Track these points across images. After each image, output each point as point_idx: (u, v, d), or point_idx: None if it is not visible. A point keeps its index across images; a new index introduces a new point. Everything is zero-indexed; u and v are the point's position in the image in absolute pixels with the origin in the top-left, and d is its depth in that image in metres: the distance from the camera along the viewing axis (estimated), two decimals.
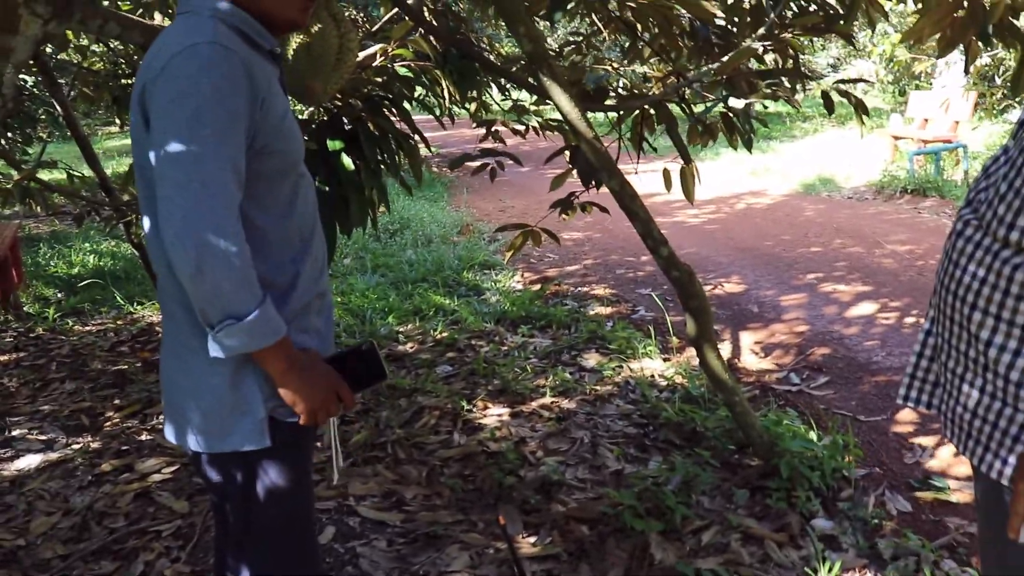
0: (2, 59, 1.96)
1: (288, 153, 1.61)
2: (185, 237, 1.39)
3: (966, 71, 2.97)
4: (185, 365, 1.62)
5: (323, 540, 2.95)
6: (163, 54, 1.46)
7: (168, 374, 1.68)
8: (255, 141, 1.51)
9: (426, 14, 3.37)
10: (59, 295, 6.51)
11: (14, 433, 3.93)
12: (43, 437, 3.89)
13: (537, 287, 6.40)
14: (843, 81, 3.17)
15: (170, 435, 1.69)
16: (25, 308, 6.02)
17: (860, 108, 3.18)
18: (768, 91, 3.17)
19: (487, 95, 4.13)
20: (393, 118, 2.90)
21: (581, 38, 4.41)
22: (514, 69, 3.64)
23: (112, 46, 5.73)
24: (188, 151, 1.40)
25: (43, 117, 9.02)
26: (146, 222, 1.57)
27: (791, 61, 3.48)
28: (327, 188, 2.56)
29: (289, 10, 1.62)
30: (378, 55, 3.09)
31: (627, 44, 4.19)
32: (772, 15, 3.10)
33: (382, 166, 2.75)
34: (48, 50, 4.97)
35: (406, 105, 3.12)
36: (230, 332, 1.45)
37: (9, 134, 8.06)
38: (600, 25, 3.59)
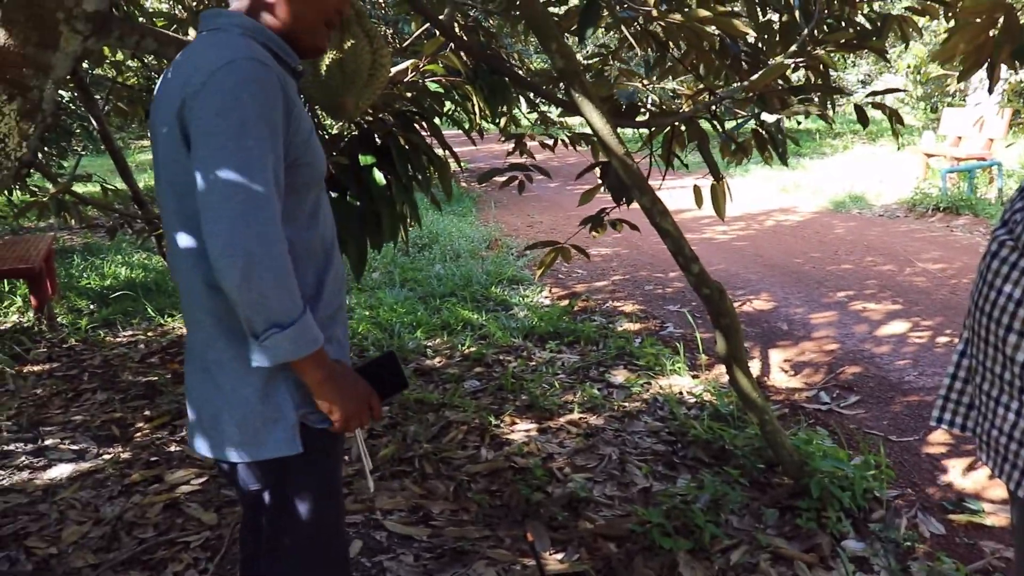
0: (42, 75, 1.99)
1: (314, 166, 1.64)
2: (233, 247, 1.42)
3: (990, 91, 2.94)
4: (215, 378, 1.64)
5: (351, 554, 2.95)
6: (203, 70, 1.48)
7: (197, 388, 1.69)
8: (287, 154, 1.54)
9: (457, 30, 3.39)
10: (91, 306, 6.58)
11: (47, 442, 3.97)
12: (75, 447, 3.92)
13: (565, 303, 6.39)
14: (876, 93, 3.15)
15: (202, 448, 1.70)
16: (58, 319, 6.09)
17: (895, 118, 3.16)
18: (800, 107, 3.16)
19: (517, 109, 4.14)
20: (424, 133, 2.91)
21: (607, 51, 4.42)
22: (545, 85, 3.65)
23: (146, 61, 5.81)
24: (235, 163, 1.43)
25: (78, 131, 9.15)
26: (179, 236, 1.59)
27: (823, 77, 3.46)
28: (358, 203, 2.57)
29: (317, 38, 1.68)
30: (409, 70, 3.10)
31: (654, 60, 4.19)
32: (804, 32, 3.09)
33: (413, 181, 2.76)
34: (84, 65, 5.04)
35: (436, 120, 3.14)
36: (275, 340, 1.48)
37: (45, 148, 8.18)
38: (632, 40, 3.58)
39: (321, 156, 1.68)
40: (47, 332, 5.83)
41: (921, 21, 3.61)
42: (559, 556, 2.90)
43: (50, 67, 2.01)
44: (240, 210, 1.42)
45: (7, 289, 6.75)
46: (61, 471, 3.68)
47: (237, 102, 1.44)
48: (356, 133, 2.80)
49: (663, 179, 3.48)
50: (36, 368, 5.10)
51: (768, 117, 3.24)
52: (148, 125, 1.72)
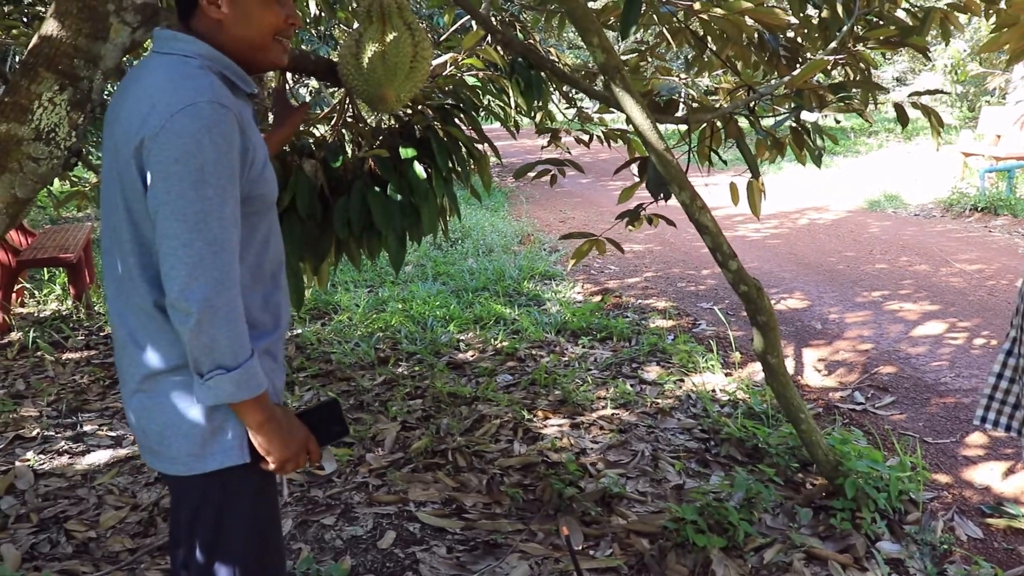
0: (92, 66, 2.02)
1: (267, 196, 1.67)
2: (189, 293, 1.46)
3: None
4: (158, 399, 1.63)
5: (383, 545, 2.97)
6: (161, 110, 1.47)
7: (140, 410, 1.67)
8: (242, 189, 1.56)
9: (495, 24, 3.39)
10: None
11: (85, 428, 4.03)
12: (112, 433, 3.98)
13: (598, 299, 6.38)
14: (918, 93, 3.12)
15: (152, 463, 1.70)
16: (96, 307, 6.17)
17: (936, 119, 3.12)
18: (840, 105, 3.13)
19: (553, 104, 4.13)
20: (463, 127, 2.92)
21: (644, 47, 4.40)
22: (581, 79, 3.64)
23: None
24: (193, 210, 1.45)
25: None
26: (130, 258, 1.59)
27: (863, 74, 3.43)
28: (399, 196, 2.58)
29: (272, 56, 1.69)
30: (448, 64, 3.11)
31: (691, 56, 4.17)
32: (845, 28, 3.06)
33: (453, 174, 2.76)
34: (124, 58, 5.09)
35: (475, 114, 3.14)
36: (218, 381, 1.52)
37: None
38: (668, 36, 3.57)
39: (274, 184, 1.70)
40: (85, 320, 5.92)
41: (962, 17, 3.55)
42: (592, 551, 2.91)
43: (100, 58, 2.04)
44: (198, 257, 1.46)
45: (47, 277, 6.85)
46: (99, 457, 3.73)
47: (198, 148, 1.45)
48: (396, 126, 2.82)
49: (709, 174, 3.47)
50: (74, 355, 5.17)
51: (807, 115, 3.21)
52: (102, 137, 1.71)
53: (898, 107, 3.22)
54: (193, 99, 1.47)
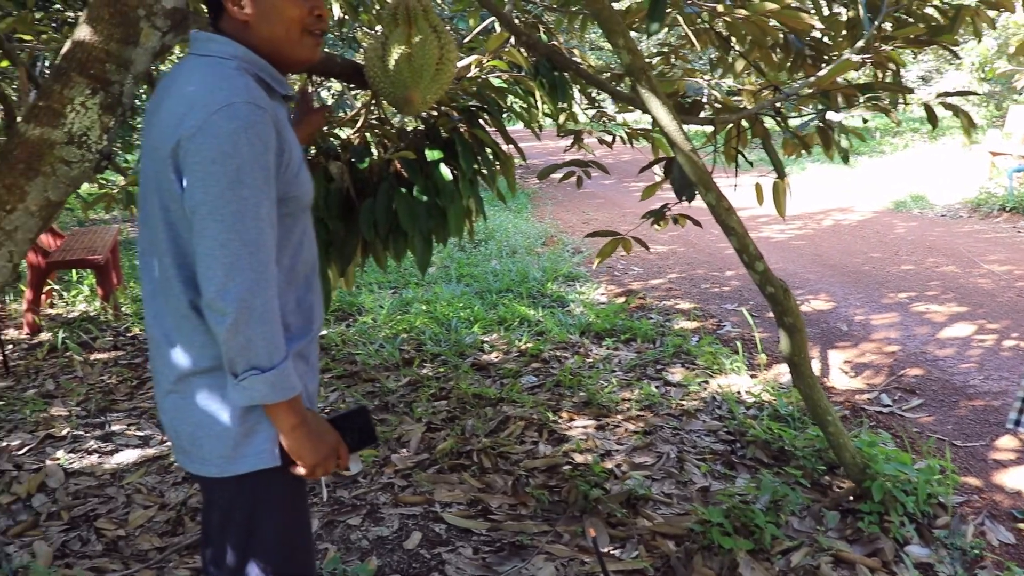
0: (123, 70, 2.04)
1: (302, 197, 1.67)
2: (225, 293, 1.46)
3: None
4: (191, 400, 1.64)
5: (409, 545, 2.98)
6: (199, 110, 1.47)
7: (173, 411, 1.67)
8: (277, 190, 1.56)
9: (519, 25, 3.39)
10: None
11: (114, 428, 4.07)
12: (140, 433, 4.01)
13: (622, 300, 6.37)
14: (948, 93, 3.09)
15: (184, 464, 1.71)
16: (123, 308, 6.23)
17: (967, 120, 3.09)
18: (867, 105, 3.11)
19: (577, 106, 4.13)
20: (488, 128, 2.92)
21: (668, 49, 4.39)
22: (606, 76, 3.64)
23: None
24: (230, 210, 1.46)
25: (141, 126, 9.33)
26: (165, 258, 1.59)
27: (890, 74, 3.40)
28: (424, 197, 2.59)
29: (302, 51, 1.67)
30: (473, 66, 3.12)
31: (716, 57, 4.15)
32: (871, 27, 3.04)
33: (478, 176, 2.77)
34: None
35: (500, 116, 3.14)
36: (252, 383, 1.52)
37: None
38: (693, 37, 3.56)
39: (309, 186, 1.70)
40: (112, 321, 5.97)
41: (993, 14, 3.51)
42: (618, 553, 2.90)
43: (130, 62, 2.06)
44: (235, 257, 1.46)
45: (75, 279, 6.92)
46: (127, 456, 3.77)
47: (234, 149, 1.45)
48: (422, 128, 2.82)
49: (736, 175, 3.45)
50: (102, 356, 5.23)
51: (833, 116, 3.19)
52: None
53: (928, 107, 3.19)
54: (229, 100, 1.47)
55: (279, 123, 1.55)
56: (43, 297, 6.08)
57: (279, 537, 1.73)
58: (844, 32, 3.56)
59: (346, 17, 4.97)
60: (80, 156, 2.04)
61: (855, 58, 2.95)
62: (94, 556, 2.97)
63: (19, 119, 2.19)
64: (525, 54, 3.19)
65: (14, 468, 3.63)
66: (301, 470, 1.67)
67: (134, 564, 2.91)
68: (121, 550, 3.02)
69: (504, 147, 2.97)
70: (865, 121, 4.27)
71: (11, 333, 5.74)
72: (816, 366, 4.84)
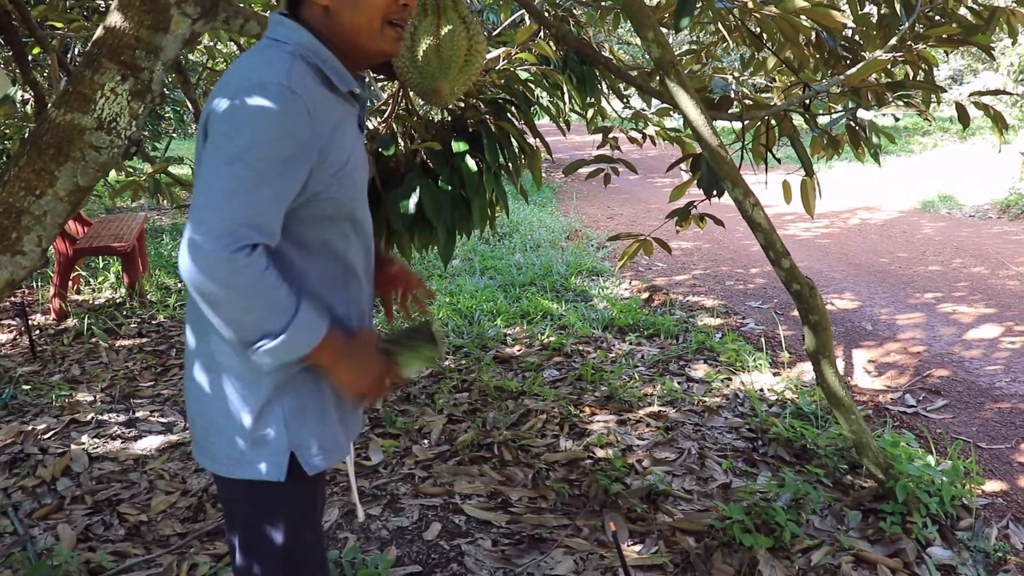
0: (153, 57, 2.05)
1: (340, 201, 1.58)
2: (193, 274, 1.40)
3: None
4: (208, 394, 1.62)
5: (429, 536, 2.99)
6: (233, 84, 1.44)
7: (192, 401, 1.66)
8: (310, 186, 1.50)
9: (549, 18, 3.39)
10: (179, 284, 6.76)
11: (137, 414, 4.10)
12: (163, 420, 4.05)
13: (645, 295, 6.35)
14: (981, 93, 3.05)
15: (195, 453, 1.69)
16: (148, 295, 6.28)
17: (999, 121, 3.06)
18: (899, 103, 3.08)
19: (606, 102, 4.12)
20: (515, 121, 2.92)
21: (700, 47, 4.37)
22: (634, 73, 3.63)
23: (243, 44, 5.93)
24: (231, 185, 1.40)
25: (168, 115, 9.41)
26: None
27: (923, 73, 3.37)
28: (449, 188, 2.59)
29: (383, 43, 1.58)
30: (501, 58, 3.12)
31: (748, 55, 4.13)
32: (904, 25, 3.01)
33: (503, 169, 2.77)
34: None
35: (527, 109, 3.14)
36: (268, 349, 1.46)
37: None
38: (725, 34, 3.54)
39: (357, 189, 1.62)
40: (138, 308, 6.03)
41: None
42: (637, 548, 2.90)
43: (160, 49, 2.07)
44: (200, 237, 1.39)
45: (101, 266, 6.99)
46: (150, 443, 3.80)
47: (250, 126, 1.41)
48: (449, 119, 2.83)
49: (766, 172, 3.43)
50: (127, 342, 5.27)
51: (864, 114, 3.17)
52: None
53: (960, 106, 3.16)
54: (263, 80, 1.42)
55: (323, 115, 1.48)
56: (70, 283, 6.14)
57: (285, 549, 1.68)
58: (876, 31, 3.53)
59: None
60: (109, 142, 2.06)
61: (886, 56, 2.92)
62: (116, 540, 3.00)
63: (49, 105, 2.21)
64: (554, 47, 3.18)
65: (39, 452, 3.67)
66: (351, 398, 1.64)
67: (156, 549, 2.93)
68: (143, 535, 3.04)
69: (530, 140, 2.96)
70: (897, 120, 4.23)
71: (38, 318, 5.80)
72: (840, 365, 4.81)
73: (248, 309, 1.43)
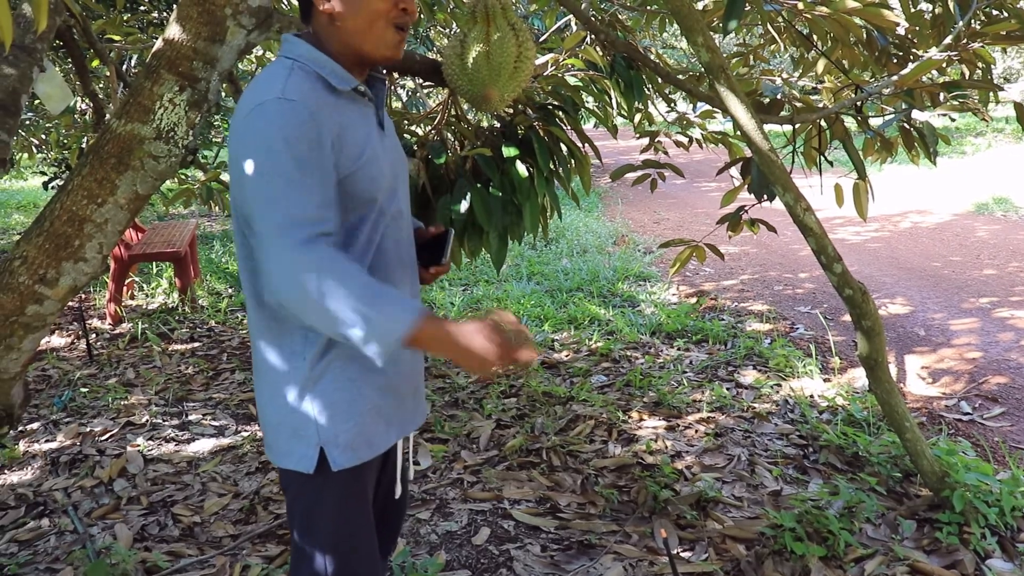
0: (210, 67, 2.09)
1: (355, 195, 1.61)
2: (280, 285, 1.46)
3: None
4: (261, 387, 1.71)
5: (478, 541, 3.00)
6: (243, 109, 1.53)
7: (256, 393, 1.75)
8: (339, 169, 1.56)
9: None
10: (230, 290, 6.86)
11: (190, 418, 4.17)
12: (215, 423, 4.11)
13: (693, 301, 6.31)
14: None
15: (265, 446, 1.77)
16: (200, 301, 6.38)
17: None
18: (954, 104, 3.03)
19: (653, 106, 4.11)
20: (564, 127, 2.93)
21: (748, 49, 4.33)
22: (682, 77, 3.61)
23: None
24: (265, 198, 1.47)
25: (218, 123, 9.55)
26: (238, 251, 1.68)
27: (979, 72, 3.30)
28: (500, 194, 2.60)
29: (384, 47, 1.65)
30: (550, 64, 3.12)
31: (798, 56, 4.08)
32: (960, 23, 2.96)
33: (553, 175, 2.77)
34: None
35: (576, 115, 3.14)
36: (368, 335, 1.46)
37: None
38: (775, 35, 3.51)
39: (372, 187, 1.64)
40: (190, 313, 6.13)
41: None
42: (687, 555, 2.88)
43: (216, 60, 2.11)
44: (277, 248, 1.46)
45: (155, 271, 7.11)
46: (203, 445, 3.86)
47: (263, 143, 1.48)
48: (499, 125, 2.84)
49: (820, 176, 3.40)
50: (180, 347, 5.36)
51: (919, 115, 3.12)
52: None
53: (1018, 106, 3.09)
54: (261, 99, 1.50)
55: (327, 114, 1.54)
56: (124, 289, 6.26)
57: (333, 539, 1.73)
58: (930, 30, 3.47)
59: (421, 16, 5.01)
60: (167, 151, 2.10)
61: (941, 56, 2.87)
62: (171, 540, 3.05)
63: (108, 116, 2.26)
64: (601, 52, 3.18)
65: (97, 453, 3.75)
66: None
67: (208, 550, 2.98)
68: (196, 536, 3.09)
69: (579, 145, 2.96)
70: (953, 120, 4.16)
71: (95, 323, 5.93)
72: (893, 371, 4.73)
73: (332, 296, 1.44)
